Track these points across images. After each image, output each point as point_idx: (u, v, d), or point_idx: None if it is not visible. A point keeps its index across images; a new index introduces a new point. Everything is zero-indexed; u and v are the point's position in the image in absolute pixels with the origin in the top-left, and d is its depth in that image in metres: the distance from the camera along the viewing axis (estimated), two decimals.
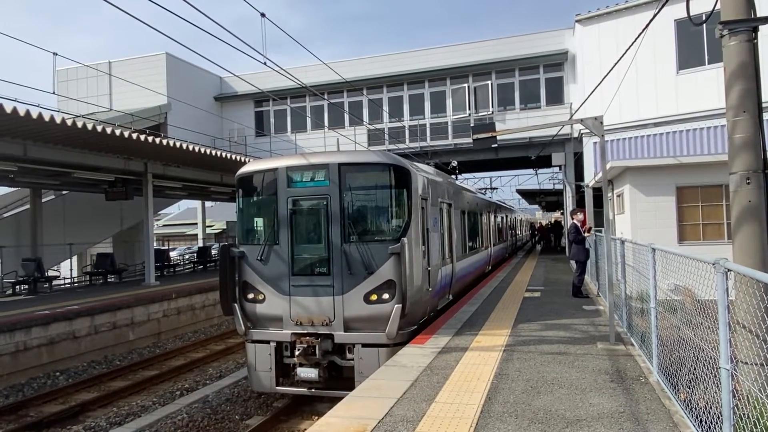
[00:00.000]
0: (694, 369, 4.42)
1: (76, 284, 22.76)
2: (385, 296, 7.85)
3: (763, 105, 6.14)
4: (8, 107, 10.95)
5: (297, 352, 7.85)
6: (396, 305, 7.68)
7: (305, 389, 8.13)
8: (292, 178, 8.41)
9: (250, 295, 8.53)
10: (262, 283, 8.42)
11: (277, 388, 8.33)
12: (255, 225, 9.18)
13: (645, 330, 6.50)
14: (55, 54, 10.66)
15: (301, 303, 8.17)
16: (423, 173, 9.43)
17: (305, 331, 8.05)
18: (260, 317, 8.51)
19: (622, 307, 8.33)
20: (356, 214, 8.42)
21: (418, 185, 8.75)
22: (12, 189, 22.70)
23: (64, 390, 10.91)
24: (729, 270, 3.51)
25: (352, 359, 7.94)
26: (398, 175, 8.33)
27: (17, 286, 18.48)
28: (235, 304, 8.52)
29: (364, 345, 7.85)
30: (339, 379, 8.13)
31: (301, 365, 7.93)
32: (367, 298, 7.91)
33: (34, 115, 11.47)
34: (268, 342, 8.35)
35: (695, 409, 4.38)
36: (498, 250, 20.97)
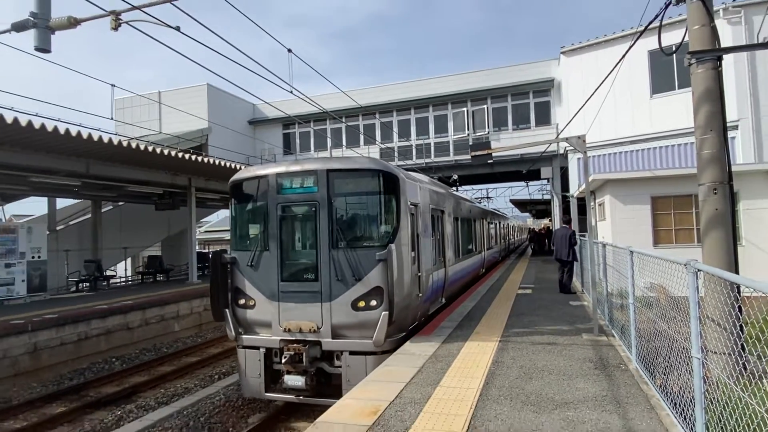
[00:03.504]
0: (669, 358, 4.35)
1: (129, 282, 23.03)
2: (373, 303, 6.86)
3: (728, 125, 6.07)
4: (73, 131, 11.16)
5: (284, 360, 6.93)
6: (383, 312, 6.69)
7: (293, 396, 7.16)
8: (281, 185, 7.43)
9: (242, 301, 7.56)
10: (252, 288, 7.45)
11: (266, 394, 7.33)
12: (246, 231, 8.01)
13: (624, 323, 6.42)
14: (113, 85, 10.87)
15: (290, 309, 7.18)
16: (413, 180, 8.37)
17: (293, 338, 7.08)
18: (251, 323, 7.52)
19: (604, 302, 8.22)
20: (344, 220, 7.37)
21: (408, 191, 7.66)
22: (76, 201, 23.06)
23: (119, 374, 11.00)
24: (699, 270, 3.46)
25: (340, 367, 6.96)
26: (387, 180, 7.28)
27: (80, 284, 18.74)
28: (227, 310, 7.55)
29: (352, 353, 6.88)
30: (328, 385, 7.12)
31: (288, 372, 6.98)
32: (354, 305, 6.91)
33: (96, 138, 11.67)
34: (258, 348, 7.38)
35: (670, 393, 4.30)
36: (492, 253, 20.20)
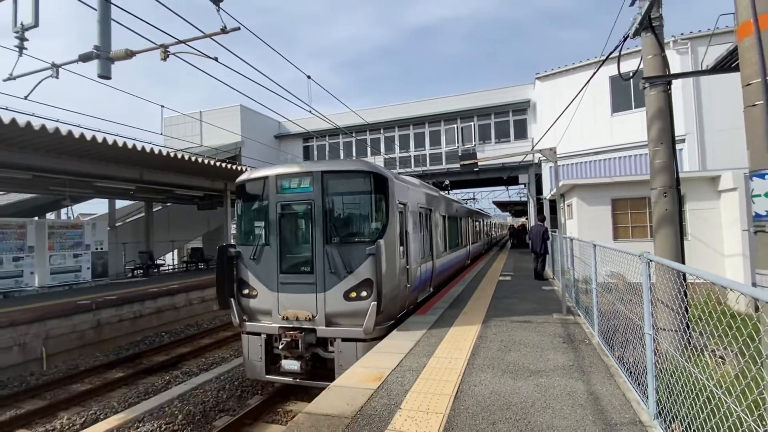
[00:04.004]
0: (625, 334, 4.34)
1: (176, 270, 23.12)
2: (364, 294, 6.31)
3: (676, 138, 6.04)
4: (130, 144, 11.23)
5: (281, 346, 6.43)
6: (372, 303, 6.17)
7: (291, 379, 6.63)
8: (281, 185, 6.87)
9: (245, 291, 7.00)
10: (255, 280, 6.90)
11: (267, 376, 6.77)
12: (250, 227, 7.30)
13: (588, 305, 6.40)
14: (162, 106, 10.90)
15: (288, 299, 6.63)
16: (402, 181, 7.63)
17: (291, 326, 6.56)
18: (254, 311, 6.95)
19: (571, 287, 8.20)
20: (338, 218, 6.70)
21: (396, 191, 6.99)
22: (132, 202, 23.19)
23: (168, 345, 11.07)
24: (651, 260, 3.45)
25: (334, 352, 6.43)
26: (377, 181, 6.65)
27: (135, 271, 18.85)
28: (232, 299, 7.01)
29: (344, 339, 6.34)
30: (324, 368, 6.56)
31: (285, 357, 6.50)
32: (347, 296, 6.36)
33: (148, 150, 11.73)
34: (259, 334, 6.83)
35: (626, 363, 4.29)
36: (476, 247, 19.53)
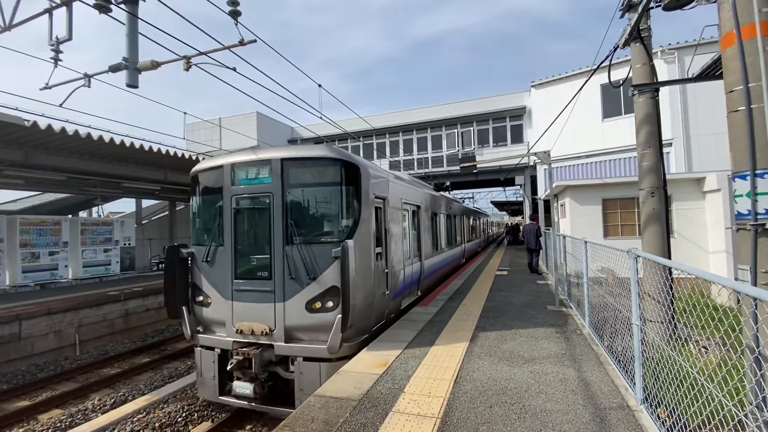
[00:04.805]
0: (614, 325, 4.32)
1: None
2: (329, 304, 4.98)
3: (663, 142, 6.00)
4: (155, 148, 11.33)
5: (229, 366, 5.08)
6: (338, 315, 4.84)
7: (245, 403, 5.24)
8: (236, 176, 5.45)
9: (199, 298, 5.63)
10: (208, 285, 5.53)
11: (220, 397, 5.41)
12: (203, 225, 5.83)
13: (580, 297, 6.37)
14: (185, 113, 10.99)
15: (243, 309, 5.27)
16: (379, 172, 6.17)
17: (246, 340, 5.23)
18: (208, 321, 5.60)
19: (564, 281, 8.16)
20: (300, 214, 5.26)
21: (372, 184, 5.63)
22: (157, 201, 23.39)
23: None
24: (638, 256, 3.43)
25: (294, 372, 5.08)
26: (347, 170, 5.26)
27: (160, 265, 19.02)
28: (184, 308, 5.63)
29: (306, 358, 4.98)
30: (287, 389, 5.22)
31: (238, 378, 5.16)
32: (309, 306, 5.01)
33: (171, 153, 11.82)
34: (213, 348, 5.47)
35: (615, 352, 4.27)
36: (472, 245, 18.25)
